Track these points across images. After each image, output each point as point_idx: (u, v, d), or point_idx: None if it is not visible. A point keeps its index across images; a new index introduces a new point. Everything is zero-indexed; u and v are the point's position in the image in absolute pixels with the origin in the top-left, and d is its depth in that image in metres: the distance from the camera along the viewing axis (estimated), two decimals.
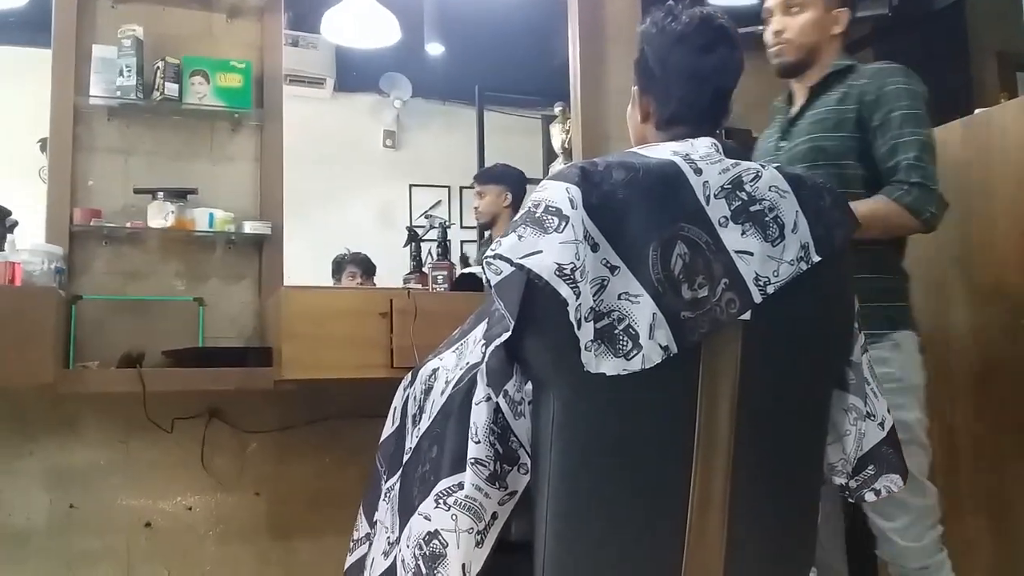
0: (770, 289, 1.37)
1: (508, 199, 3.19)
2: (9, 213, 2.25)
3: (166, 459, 2.45)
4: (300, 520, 2.56)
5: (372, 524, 1.68)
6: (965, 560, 2.15)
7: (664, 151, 1.43)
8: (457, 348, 1.64)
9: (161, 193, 2.47)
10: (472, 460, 1.35)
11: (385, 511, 1.63)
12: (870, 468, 1.56)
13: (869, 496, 1.57)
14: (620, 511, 1.38)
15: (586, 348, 1.29)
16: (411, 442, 1.60)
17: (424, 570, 1.40)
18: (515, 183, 3.23)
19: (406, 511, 1.49)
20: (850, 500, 1.60)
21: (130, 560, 2.41)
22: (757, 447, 1.40)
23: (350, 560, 1.74)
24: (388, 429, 1.76)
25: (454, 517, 1.36)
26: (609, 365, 1.30)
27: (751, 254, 1.37)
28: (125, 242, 2.49)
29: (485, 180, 3.31)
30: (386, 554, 1.55)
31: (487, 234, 3.40)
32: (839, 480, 1.56)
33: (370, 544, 1.68)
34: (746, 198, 1.38)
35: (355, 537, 1.75)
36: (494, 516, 1.37)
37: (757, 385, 1.39)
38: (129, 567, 2.41)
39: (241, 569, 2.48)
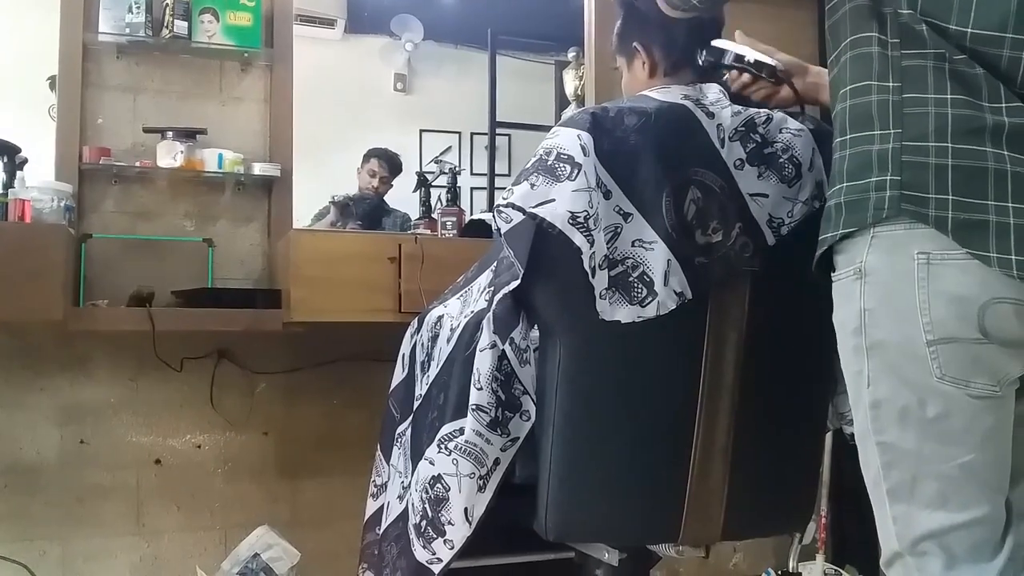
0: (784, 230, 1.38)
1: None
2: (19, 150, 2.25)
3: (175, 398, 2.48)
4: (307, 460, 2.59)
5: (391, 468, 1.71)
6: None
7: (675, 93, 1.42)
8: (462, 295, 1.64)
9: (170, 133, 2.45)
10: (473, 406, 1.36)
11: (398, 456, 1.65)
12: None
13: None
14: (624, 456, 1.40)
15: (601, 296, 1.30)
16: (421, 389, 1.62)
17: (430, 513, 1.43)
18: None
19: (416, 456, 1.51)
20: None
21: (140, 496, 2.45)
22: (762, 395, 1.42)
23: (372, 507, 1.77)
24: (398, 376, 1.78)
25: (455, 462, 1.38)
26: (624, 312, 1.31)
27: (766, 196, 1.37)
28: (134, 181, 2.48)
29: (392, 169, 3.41)
30: (400, 498, 1.58)
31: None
32: (849, 429, 1.57)
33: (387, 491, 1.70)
34: (760, 140, 1.38)
35: (376, 482, 1.77)
36: (496, 462, 1.39)
37: (764, 333, 1.40)
38: (139, 502, 2.45)
39: (249, 507, 2.52)
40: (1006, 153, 1.01)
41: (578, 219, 1.26)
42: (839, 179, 1.13)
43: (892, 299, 1.06)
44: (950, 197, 1.02)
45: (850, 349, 1.12)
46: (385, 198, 3.36)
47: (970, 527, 1.06)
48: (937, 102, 1.05)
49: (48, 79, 2.51)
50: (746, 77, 1.50)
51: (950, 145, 1.03)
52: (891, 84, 1.08)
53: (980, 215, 1.01)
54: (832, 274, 1.16)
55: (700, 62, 1.49)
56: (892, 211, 1.05)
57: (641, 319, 1.31)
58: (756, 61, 1.47)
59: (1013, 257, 0.99)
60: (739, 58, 1.47)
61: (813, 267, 1.18)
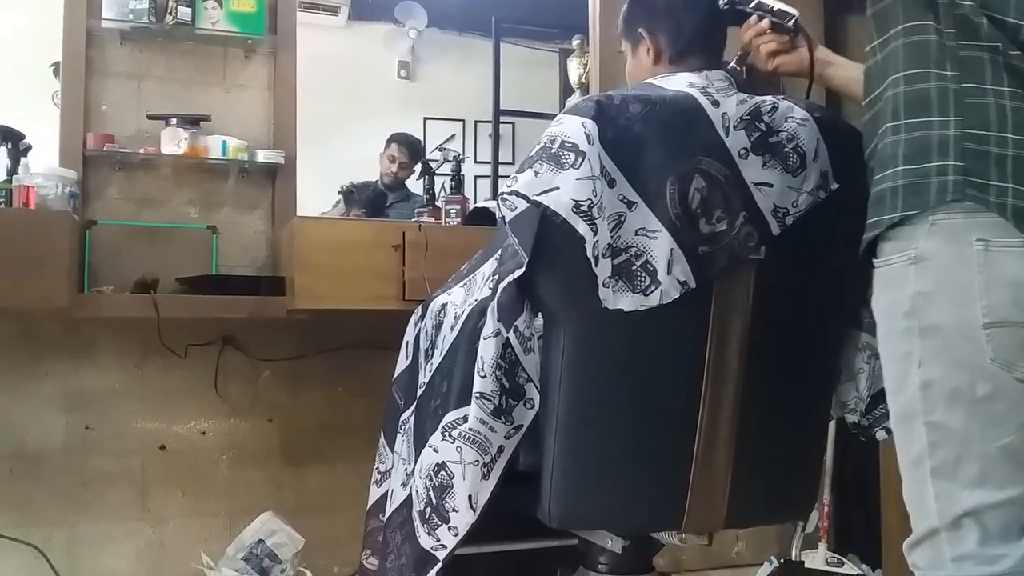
0: (789, 220, 1.37)
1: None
2: (23, 137, 2.25)
3: (180, 384, 2.49)
4: (312, 447, 2.60)
5: (394, 455, 1.71)
6: None
7: (680, 82, 1.41)
8: (466, 283, 1.64)
9: (174, 119, 2.45)
10: (478, 394, 1.37)
11: (401, 443, 1.66)
12: (882, 407, 1.57)
13: (880, 434, 1.59)
14: (627, 444, 1.40)
15: (604, 284, 1.29)
16: (424, 376, 1.62)
17: (434, 500, 1.43)
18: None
19: (420, 443, 1.52)
20: (862, 439, 1.61)
21: (145, 482, 2.46)
22: (766, 383, 1.42)
23: (376, 494, 1.77)
24: (402, 363, 1.78)
25: (459, 449, 1.38)
26: (627, 301, 1.31)
27: (771, 186, 1.36)
28: (138, 168, 2.48)
29: (413, 155, 3.41)
30: (404, 485, 1.58)
31: None
32: (851, 418, 1.58)
33: (391, 478, 1.71)
34: (765, 129, 1.37)
35: (380, 469, 1.78)
36: (500, 449, 1.39)
37: (768, 321, 1.39)
38: (144, 488, 2.46)
39: (253, 493, 2.53)
40: None
41: (582, 207, 1.25)
42: (893, 163, 1.15)
43: (949, 283, 1.09)
44: (1010, 185, 1.06)
45: (899, 332, 1.14)
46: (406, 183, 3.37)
47: (1005, 506, 1.10)
48: (995, 93, 1.08)
49: (52, 65, 2.50)
50: (764, 24, 1.49)
51: (1010, 136, 1.06)
52: (949, 72, 1.10)
53: None
54: (875, 260, 1.18)
55: (721, 4, 1.48)
56: (957, 195, 1.07)
57: (644, 308, 1.31)
58: (779, 9, 1.46)
59: None
60: (760, 4, 1.46)
61: (861, 251, 1.20)
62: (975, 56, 1.09)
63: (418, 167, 3.16)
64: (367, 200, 3.19)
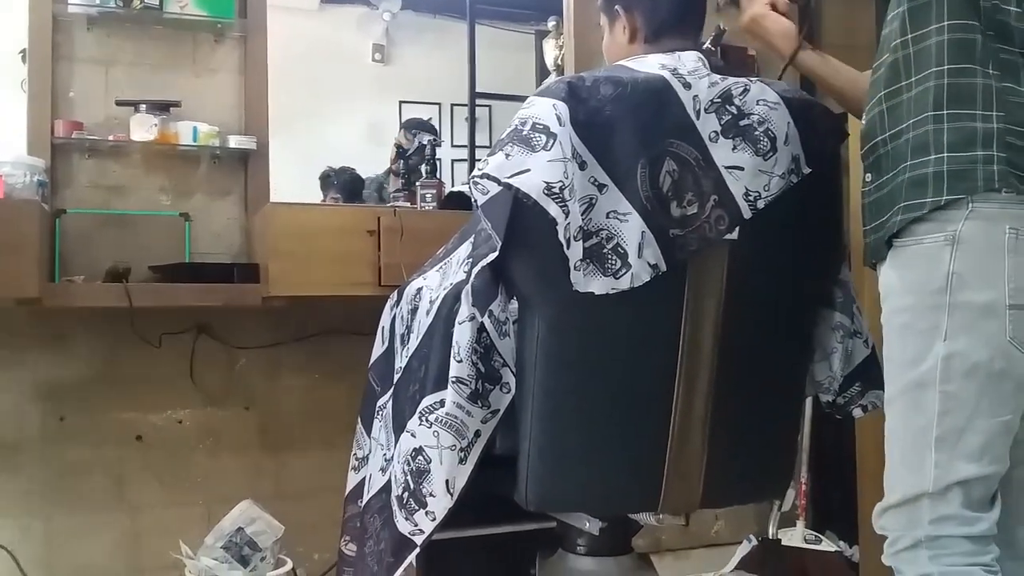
0: (760, 204, 1.38)
1: None
2: None
3: (155, 374, 2.46)
4: (290, 434, 2.59)
5: (372, 441, 1.71)
6: None
7: (652, 64, 1.40)
8: (441, 267, 1.64)
9: (144, 105, 2.42)
10: (454, 379, 1.36)
11: (379, 429, 1.65)
12: (856, 385, 1.59)
13: (856, 412, 1.61)
14: (603, 427, 1.40)
15: (575, 267, 1.29)
16: (401, 361, 1.61)
17: (412, 485, 1.43)
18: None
19: (398, 428, 1.52)
20: (837, 416, 1.63)
21: (122, 471, 2.44)
22: (740, 364, 1.42)
23: (354, 480, 1.77)
24: (378, 349, 1.77)
25: (436, 434, 1.38)
26: (598, 284, 1.31)
27: (741, 169, 1.36)
28: (108, 155, 2.45)
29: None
30: (383, 470, 1.58)
31: None
32: (826, 397, 1.59)
33: (369, 464, 1.71)
34: (736, 112, 1.37)
35: (357, 455, 1.78)
36: (477, 434, 1.39)
37: (742, 303, 1.40)
38: (121, 479, 2.44)
39: (232, 481, 2.52)
40: None
41: (553, 189, 1.25)
42: (936, 149, 1.21)
43: (982, 265, 1.18)
44: None
45: (925, 306, 1.21)
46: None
47: (990, 479, 1.21)
48: None
49: (20, 52, 2.46)
50: None
51: None
52: (991, 71, 1.20)
53: None
54: (904, 239, 1.23)
55: None
56: (1002, 183, 1.17)
57: (615, 291, 1.31)
58: None
59: None
60: None
61: (896, 232, 1.24)
62: (1011, 60, 1.20)
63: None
64: (343, 185, 3.16)
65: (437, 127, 3.79)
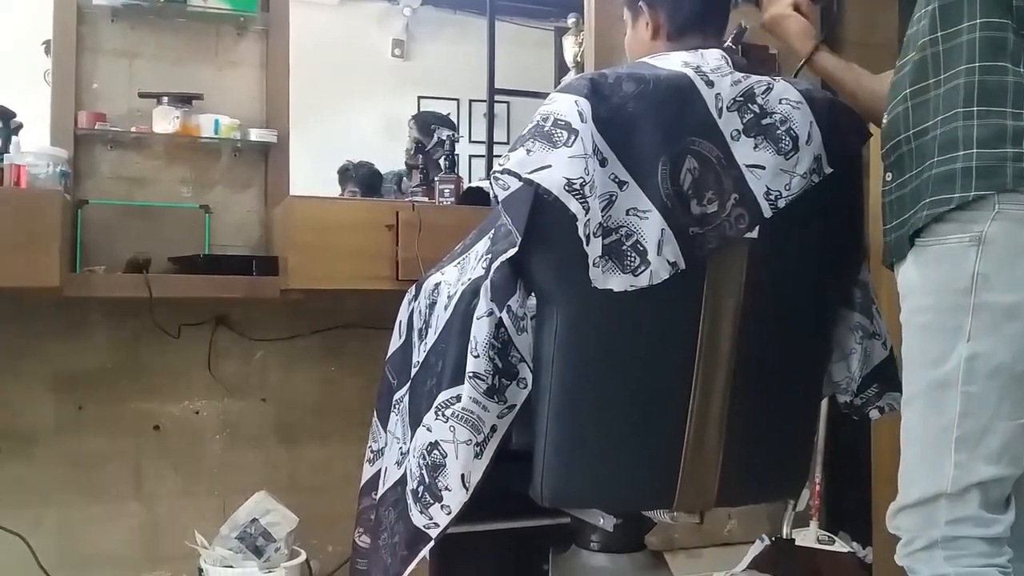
0: (781, 203, 1.37)
1: None
2: (14, 115, 2.23)
3: (173, 364, 2.48)
4: (306, 426, 2.60)
5: (387, 434, 1.71)
6: None
7: (675, 61, 1.40)
8: (459, 263, 1.64)
9: (166, 98, 2.44)
10: (471, 374, 1.37)
11: (395, 422, 1.66)
12: (874, 387, 1.58)
13: (873, 414, 1.60)
14: (619, 424, 1.40)
15: (594, 264, 1.29)
16: (418, 356, 1.62)
17: (427, 479, 1.43)
18: None
19: (415, 422, 1.52)
20: (854, 418, 1.62)
21: (139, 461, 2.46)
22: (758, 363, 1.42)
23: (369, 472, 1.78)
24: (395, 343, 1.78)
25: (452, 429, 1.39)
26: (617, 281, 1.31)
27: (763, 168, 1.36)
28: (130, 147, 2.47)
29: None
30: (399, 464, 1.59)
31: None
32: (843, 398, 1.58)
33: (384, 457, 1.71)
34: (758, 111, 1.37)
35: (372, 448, 1.78)
36: (493, 429, 1.39)
37: (761, 302, 1.40)
38: (138, 468, 2.46)
39: (248, 472, 2.53)
40: None
41: (574, 186, 1.25)
42: (964, 145, 1.20)
43: (1007, 266, 1.17)
44: None
45: (948, 306, 1.20)
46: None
47: (1007, 481, 1.20)
48: None
49: (43, 43, 2.48)
50: None
51: None
52: (1022, 69, 1.19)
53: None
54: (926, 239, 1.22)
55: None
56: None
57: (634, 288, 1.31)
58: None
59: None
60: None
61: (920, 228, 1.23)
62: None
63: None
64: (361, 179, 3.17)
65: (456, 122, 3.80)
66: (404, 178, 3.08)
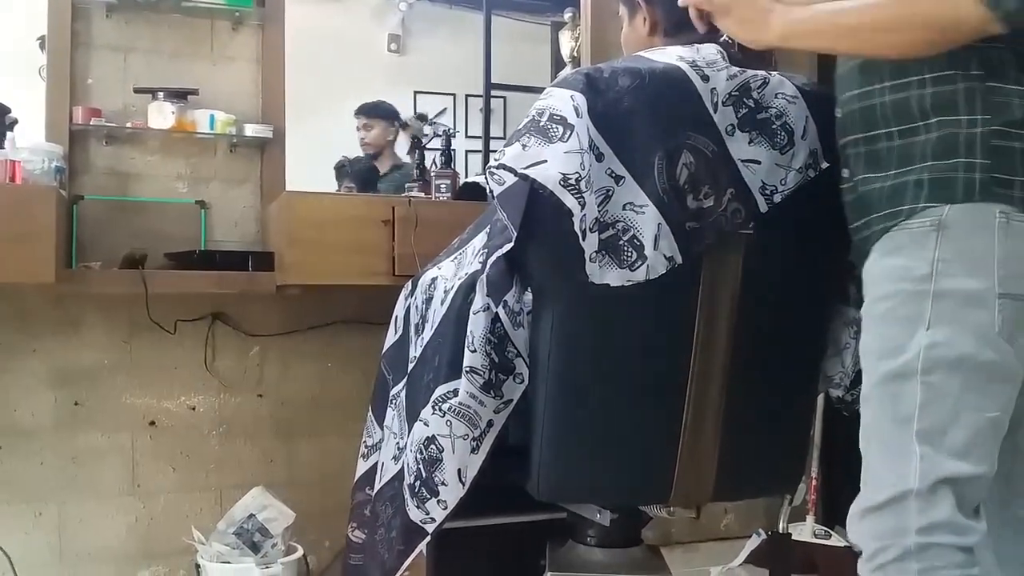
0: (777, 198, 1.37)
1: (393, 135, 3.33)
2: (9, 111, 2.22)
3: (170, 360, 2.48)
4: (302, 421, 2.60)
5: (383, 429, 1.71)
6: None
7: (671, 55, 1.40)
8: (456, 258, 1.64)
9: (161, 93, 2.43)
10: (467, 369, 1.37)
11: (392, 417, 1.66)
12: None
13: None
14: (616, 419, 1.40)
15: (591, 259, 1.29)
16: (415, 351, 1.62)
17: (424, 474, 1.43)
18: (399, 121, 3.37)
19: (412, 417, 1.52)
20: (845, 413, 1.62)
21: (135, 457, 2.46)
22: (754, 358, 1.42)
23: (363, 467, 1.78)
24: (391, 337, 1.78)
25: (449, 423, 1.39)
26: (613, 276, 1.31)
27: (758, 163, 1.36)
28: (126, 142, 2.46)
29: (374, 114, 3.37)
30: (395, 459, 1.59)
31: None
32: (836, 393, 1.59)
33: (380, 452, 1.71)
34: (753, 105, 1.37)
35: (367, 443, 1.78)
36: (489, 423, 1.40)
37: (757, 296, 1.40)
38: (134, 464, 2.46)
39: (244, 468, 2.54)
40: None
41: (570, 181, 1.25)
42: (919, 159, 1.17)
43: (968, 251, 1.13)
44: None
45: (907, 293, 1.16)
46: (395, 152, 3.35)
47: (980, 480, 1.14)
48: (1019, 93, 1.13)
49: (38, 39, 2.47)
50: None
51: None
52: (974, 72, 1.14)
53: None
54: (893, 222, 1.19)
55: None
56: (983, 195, 1.12)
57: (631, 283, 1.31)
58: None
59: None
60: None
61: (879, 232, 1.21)
62: (997, 57, 1.14)
63: (398, 131, 3.13)
64: (357, 174, 3.17)
65: (451, 117, 3.80)
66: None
